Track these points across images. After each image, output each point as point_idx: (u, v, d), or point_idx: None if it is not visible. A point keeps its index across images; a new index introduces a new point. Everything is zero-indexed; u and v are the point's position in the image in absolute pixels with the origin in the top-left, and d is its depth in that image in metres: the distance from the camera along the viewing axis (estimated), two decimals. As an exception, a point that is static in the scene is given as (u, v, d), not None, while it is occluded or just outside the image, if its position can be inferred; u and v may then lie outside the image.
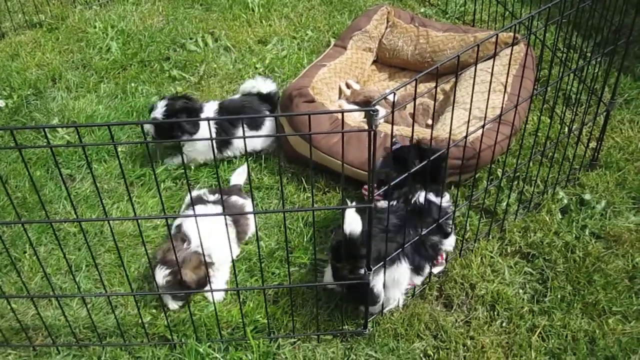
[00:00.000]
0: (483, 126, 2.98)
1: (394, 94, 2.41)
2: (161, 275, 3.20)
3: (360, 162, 3.65)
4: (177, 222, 3.45)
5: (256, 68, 4.87)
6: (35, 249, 2.93)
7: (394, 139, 3.63)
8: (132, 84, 4.76)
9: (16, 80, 4.85)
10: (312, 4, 5.60)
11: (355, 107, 4.16)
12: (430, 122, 4.13)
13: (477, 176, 3.79)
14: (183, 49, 5.13)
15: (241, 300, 3.15)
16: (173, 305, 3.26)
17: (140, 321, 3.10)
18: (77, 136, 4.32)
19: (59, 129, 4.41)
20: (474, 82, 2.66)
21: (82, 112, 4.55)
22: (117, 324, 3.12)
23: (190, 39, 5.23)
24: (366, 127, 2.45)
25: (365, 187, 3.51)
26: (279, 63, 4.91)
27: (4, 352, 3.15)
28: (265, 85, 4.13)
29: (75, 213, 2.86)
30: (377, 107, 2.36)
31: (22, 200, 3.91)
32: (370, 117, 2.30)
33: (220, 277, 3.40)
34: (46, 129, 4.35)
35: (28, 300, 3.36)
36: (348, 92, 4.31)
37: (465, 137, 2.92)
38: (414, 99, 2.51)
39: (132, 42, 5.23)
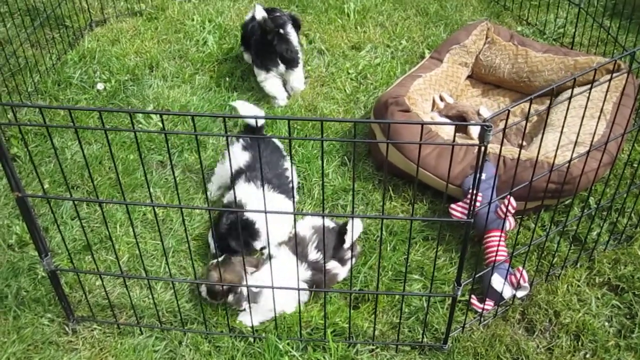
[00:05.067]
0: (588, 152, 2.93)
1: (508, 111, 2.38)
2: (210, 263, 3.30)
3: (451, 176, 3.62)
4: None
5: (349, 73, 4.90)
6: (134, 230, 3.01)
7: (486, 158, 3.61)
8: (227, 79, 4.85)
9: (115, 65, 5.00)
10: (408, 14, 5.60)
11: (447, 120, 4.13)
12: (522, 142, 4.07)
13: (568, 203, 3.72)
14: (278, 48, 5.19)
15: (324, 302, 3.17)
16: (204, 291, 3.29)
17: (225, 312, 3.16)
18: (169, 124, 4.47)
19: (153, 116, 4.53)
20: (586, 105, 2.61)
21: (176, 101, 4.66)
22: (202, 311, 3.18)
23: (285, 39, 5.29)
24: (458, 141, 2.43)
25: (452, 206, 3.48)
26: (371, 70, 4.92)
27: (90, 327, 3.25)
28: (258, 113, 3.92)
29: (151, 198, 2.93)
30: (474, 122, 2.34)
31: (115, 181, 4.03)
32: (484, 132, 2.29)
33: None
34: (138, 114, 4.51)
35: (114, 279, 3.46)
36: (442, 105, 4.29)
37: (569, 161, 2.87)
38: (527, 119, 2.48)
39: (228, 37, 5.33)
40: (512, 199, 3.27)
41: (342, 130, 4.41)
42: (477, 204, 3.28)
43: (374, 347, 3.13)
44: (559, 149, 3.54)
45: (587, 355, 3.09)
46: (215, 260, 3.25)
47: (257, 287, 3.13)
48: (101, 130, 4.14)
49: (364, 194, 3.92)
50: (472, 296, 3.27)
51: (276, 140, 3.88)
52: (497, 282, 3.22)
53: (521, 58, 4.50)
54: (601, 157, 3.12)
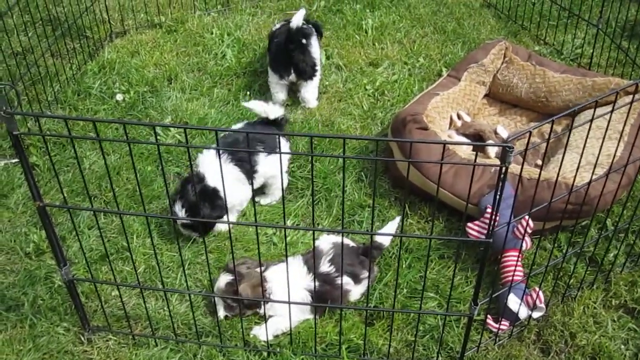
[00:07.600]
0: (607, 174, 2.92)
1: (530, 132, 2.39)
2: (223, 280, 3.29)
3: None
4: None
5: (366, 89, 4.92)
6: (153, 241, 3.02)
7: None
8: (246, 92, 4.89)
9: (134, 77, 5.04)
10: (426, 31, 5.63)
11: (466, 139, 4.14)
12: (539, 162, 4.07)
13: (585, 224, 3.71)
14: (295, 63, 5.22)
15: (340, 318, 3.16)
16: (222, 312, 3.32)
17: (241, 325, 3.16)
18: (187, 136, 4.49)
19: (171, 128, 4.56)
20: (606, 129, 2.61)
21: (194, 113, 4.69)
22: (217, 324, 3.18)
23: (303, 54, 5.32)
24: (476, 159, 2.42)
25: (469, 224, 3.48)
26: (389, 87, 4.94)
27: (105, 337, 3.26)
28: (274, 111, 3.89)
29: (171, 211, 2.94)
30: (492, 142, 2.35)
31: (132, 192, 4.05)
32: (505, 153, 2.29)
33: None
34: (157, 127, 4.54)
35: (130, 289, 3.47)
36: (459, 123, 4.30)
37: (589, 183, 2.87)
38: (547, 140, 2.48)
39: (246, 51, 5.36)
40: (529, 220, 3.27)
41: (359, 146, 4.42)
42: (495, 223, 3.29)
43: (388, 365, 3.13)
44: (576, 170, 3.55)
45: (603, 378, 3.08)
46: (229, 278, 3.25)
47: (273, 301, 3.16)
48: (120, 142, 4.19)
49: (380, 211, 3.92)
50: (488, 316, 3.26)
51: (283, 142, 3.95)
52: (513, 302, 3.20)
53: (539, 78, 4.50)
54: (620, 179, 3.11)
